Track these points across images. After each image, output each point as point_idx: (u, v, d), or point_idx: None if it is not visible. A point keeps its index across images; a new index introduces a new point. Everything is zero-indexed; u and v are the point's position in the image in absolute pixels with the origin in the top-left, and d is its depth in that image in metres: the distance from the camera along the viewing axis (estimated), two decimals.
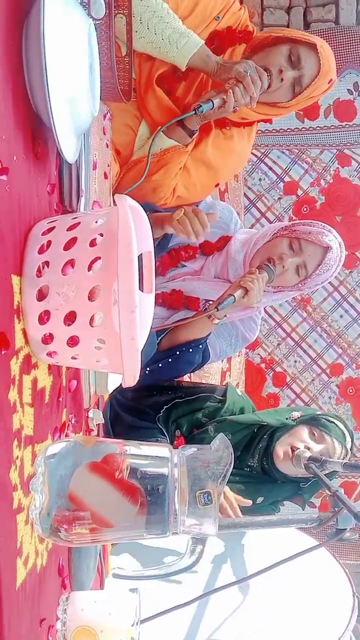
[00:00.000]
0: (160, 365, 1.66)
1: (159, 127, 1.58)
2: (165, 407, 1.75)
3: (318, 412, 1.78)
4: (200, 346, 1.69)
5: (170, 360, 1.67)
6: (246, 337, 1.83)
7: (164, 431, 1.71)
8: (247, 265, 1.69)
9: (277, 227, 1.73)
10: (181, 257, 1.76)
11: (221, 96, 1.50)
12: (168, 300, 1.73)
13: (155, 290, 1.70)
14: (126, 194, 0.77)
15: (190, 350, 1.67)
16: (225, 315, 1.60)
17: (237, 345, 1.84)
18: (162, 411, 1.73)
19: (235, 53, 1.67)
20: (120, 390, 1.62)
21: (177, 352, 1.66)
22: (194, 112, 1.51)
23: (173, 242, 1.73)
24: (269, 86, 1.58)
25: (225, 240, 1.78)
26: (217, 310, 1.53)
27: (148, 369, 1.65)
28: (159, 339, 1.68)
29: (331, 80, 1.65)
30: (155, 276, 1.71)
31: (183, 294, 1.72)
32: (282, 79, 1.59)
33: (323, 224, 1.71)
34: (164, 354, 1.67)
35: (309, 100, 1.69)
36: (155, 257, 1.70)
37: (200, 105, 1.49)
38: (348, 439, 1.67)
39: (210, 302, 1.62)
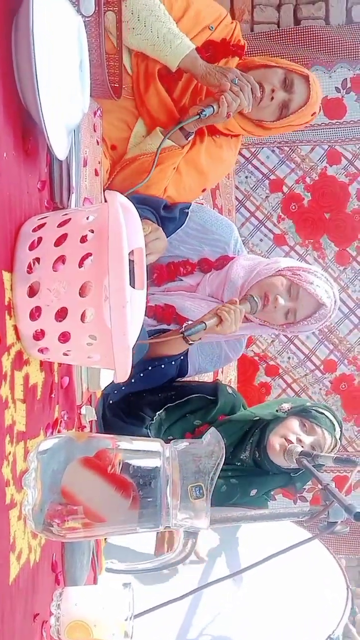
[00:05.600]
0: (132, 380, 1.62)
1: (166, 134, 1.60)
2: (157, 413, 1.74)
3: (308, 403, 1.79)
4: (173, 362, 1.68)
5: (142, 375, 1.66)
6: (229, 357, 1.84)
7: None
8: (243, 293, 1.69)
9: (284, 265, 1.71)
10: (179, 272, 1.76)
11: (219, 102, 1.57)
12: (159, 315, 1.73)
13: (149, 302, 1.71)
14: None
15: (163, 366, 1.67)
16: (200, 339, 1.58)
17: (219, 363, 1.85)
18: (154, 418, 1.73)
19: (228, 65, 1.70)
20: (108, 393, 1.63)
21: (149, 367, 1.66)
22: (198, 116, 1.56)
23: (172, 254, 1.73)
24: (260, 101, 1.64)
25: (224, 260, 1.77)
26: (185, 334, 1.52)
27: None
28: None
29: (314, 113, 1.75)
30: (151, 285, 1.73)
31: (175, 310, 1.72)
32: (272, 98, 1.66)
33: (327, 277, 1.72)
34: (137, 367, 1.66)
35: (288, 127, 1.79)
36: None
37: (204, 110, 1.55)
38: (337, 429, 1.69)
39: (189, 322, 1.60)
